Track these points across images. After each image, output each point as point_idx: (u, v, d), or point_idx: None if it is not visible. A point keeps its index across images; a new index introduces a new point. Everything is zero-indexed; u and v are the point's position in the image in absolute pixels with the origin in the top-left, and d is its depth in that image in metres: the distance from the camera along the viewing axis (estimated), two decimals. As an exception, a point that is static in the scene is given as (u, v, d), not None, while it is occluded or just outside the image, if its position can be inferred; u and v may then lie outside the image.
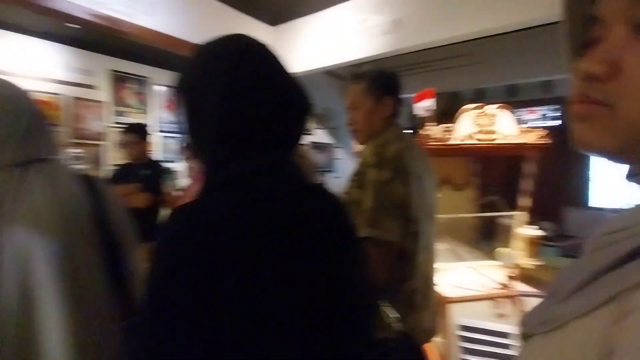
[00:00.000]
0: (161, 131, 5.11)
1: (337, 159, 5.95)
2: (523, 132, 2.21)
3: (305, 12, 3.84)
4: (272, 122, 0.55)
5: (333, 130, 5.63)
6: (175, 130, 5.44)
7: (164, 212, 2.95)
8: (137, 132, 2.95)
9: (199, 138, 0.59)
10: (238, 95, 0.54)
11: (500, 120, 2.14)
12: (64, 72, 4.44)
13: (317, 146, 5.64)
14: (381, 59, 3.38)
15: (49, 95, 4.32)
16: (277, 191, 0.53)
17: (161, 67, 5.25)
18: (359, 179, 1.19)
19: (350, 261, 0.60)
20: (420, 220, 1.19)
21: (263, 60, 0.58)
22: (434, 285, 1.34)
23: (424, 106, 2.04)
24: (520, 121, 2.58)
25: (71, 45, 4.46)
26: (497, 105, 2.21)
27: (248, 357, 0.46)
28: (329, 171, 5.87)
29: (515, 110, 2.64)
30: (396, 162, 1.15)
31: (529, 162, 2.34)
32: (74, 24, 2.78)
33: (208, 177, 0.56)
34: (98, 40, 4.32)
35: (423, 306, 1.24)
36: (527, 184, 2.40)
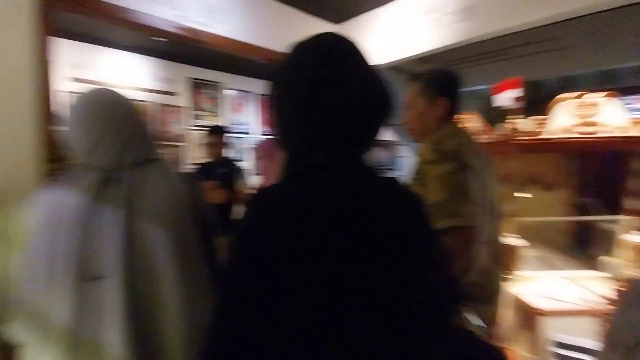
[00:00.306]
0: (231, 132, 5.45)
1: (401, 157, 5.76)
2: (634, 123, 1.88)
3: (370, 7, 3.77)
4: (350, 119, 0.55)
5: (396, 128, 5.46)
6: (243, 131, 5.76)
7: (237, 208, 3.13)
8: (218, 133, 3.15)
9: (283, 131, 0.62)
10: (318, 90, 0.55)
11: (605, 111, 1.84)
12: (151, 82, 4.96)
13: (381, 144, 5.52)
14: (453, 49, 3.17)
15: (139, 102, 4.87)
16: (347, 183, 0.54)
17: (232, 73, 5.59)
18: (419, 177, 1.21)
19: (424, 257, 0.58)
20: (477, 214, 1.17)
21: (345, 58, 0.58)
22: (499, 283, 1.31)
23: (508, 97, 1.84)
24: (627, 111, 2.21)
25: (156, 57, 4.97)
26: (601, 94, 1.90)
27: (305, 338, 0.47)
28: (392, 169, 5.71)
29: (621, 98, 2.27)
30: (455, 155, 1.16)
31: (639, 158, 1.99)
32: (161, 37, 3.06)
33: (287, 167, 0.59)
34: (178, 51, 4.76)
35: (481, 301, 1.21)
36: (636, 184, 2.05)
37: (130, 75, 4.81)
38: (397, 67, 4.31)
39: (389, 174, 0.63)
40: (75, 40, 4.22)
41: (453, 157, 1.15)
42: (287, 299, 0.46)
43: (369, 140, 0.60)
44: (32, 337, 0.68)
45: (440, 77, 1.33)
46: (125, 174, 0.79)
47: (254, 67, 5.37)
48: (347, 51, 0.59)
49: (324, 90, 0.55)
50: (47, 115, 2.37)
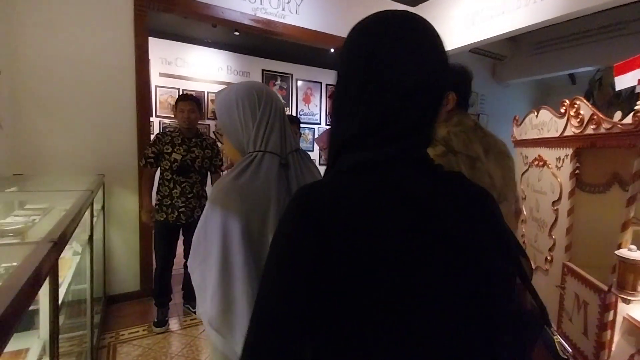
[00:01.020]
0: (302, 123, 5.56)
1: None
2: None
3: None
4: (405, 105, 0.50)
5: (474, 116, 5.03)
6: (312, 121, 5.84)
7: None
8: (295, 123, 3.22)
9: (336, 119, 0.58)
10: (372, 72, 0.50)
11: None
12: (228, 75, 5.25)
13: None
14: (548, 27, 2.75)
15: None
16: (410, 177, 0.50)
17: (302, 64, 5.66)
18: None
19: (500, 256, 0.52)
20: None
21: (402, 36, 0.51)
22: None
23: (635, 78, 1.51)
24: None
25: (233, 52, 5.23)
26: None
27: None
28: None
29: None
30: (444, 141, 1.21)
31: None
32: (240, 30, 3.17)
33: (340, 160, 0.55)
34: (253, 44, 4.96)
35: None
36: None
37: (211, 69, 5.14)
38: (477, 51, 3.93)
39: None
40: (165, 39, 4.63)
41: (441, 142, 1.21)
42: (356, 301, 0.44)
43: (427, 129, 0.54)
44: None
45: (449, 72, 1.39)
46: (290, 159, 0.84)
47: (323, 58, 5.37)
48: (407, 28, 0.51)
49: (378, 72, 0.49)
50: (144, 105, 2.64)
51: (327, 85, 5.98)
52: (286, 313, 0.45)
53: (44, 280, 0.68)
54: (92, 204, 1.86)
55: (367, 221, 0.45)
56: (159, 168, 2.38)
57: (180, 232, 2.48)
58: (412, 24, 0.51)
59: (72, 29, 2.36)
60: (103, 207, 2.50)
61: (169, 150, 2.33)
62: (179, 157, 2.33)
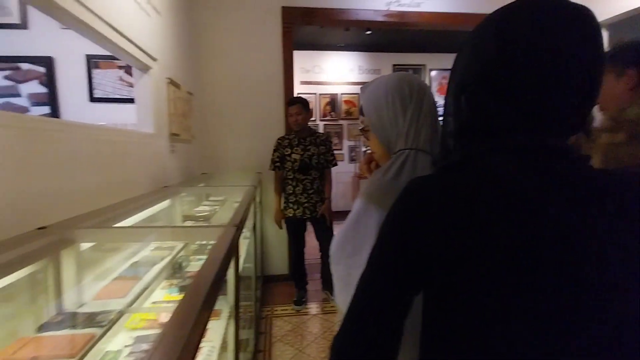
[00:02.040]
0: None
1: None
2: None
3: None
4: (538, 101, 0.47)
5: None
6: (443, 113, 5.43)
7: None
8: None
9: (456, 110, 0.55)
10: (498, 65, 0.47)
11: None
12: (359, 75, 5.41)
13: None
14: None
15: (350, 95, 5.42)
16: (548, 171, 0.47)
17: (436, 52, 5.34)
18: (591, 146, 1.18)
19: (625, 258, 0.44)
20: None
21: (565, 25, 0.46)
22: None
23: None
24: None
25: (363, 51, 5.36)
26: None
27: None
28: None
29: None
30: (633, 125, 1.10)
31: None
32: (374, 28, 3.19)
33: (449, 153, 0.54)
34: (383, 41, 4.97)
35: None
36: None
37: (343, 71, 5.40)
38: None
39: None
40: (303, 50, 5.11)
41: (629, 127, 1.09)
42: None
43: (569, 119, 0.49)
44: None
45: (624, 49, 1.27)
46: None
47: (460, 42, 4.91)
48: (551, 19, 0.46)
49: (514, 63, 0.46)
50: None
51: (465, 71, 5.45)
52: (376, 298, 0.50)
53: (234, 255, 0.86)
54: (255, 197, 2.22)
55: (473, 217, 0.45)
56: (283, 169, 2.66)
57: (308, 225, 2.73)
58: (563, 12, 0.47)
59: (236, 54, 2.86)
60: (260, 200, 2.96)
61: (289, 152, 2.58)
62: (297, 156, 2.57)
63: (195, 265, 1.73)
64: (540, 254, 0.43)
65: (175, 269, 1.58)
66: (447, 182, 0.49)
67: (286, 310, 2.69)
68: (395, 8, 2.87)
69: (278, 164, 2.66)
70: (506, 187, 0.46)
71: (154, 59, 1.85)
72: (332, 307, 2.73)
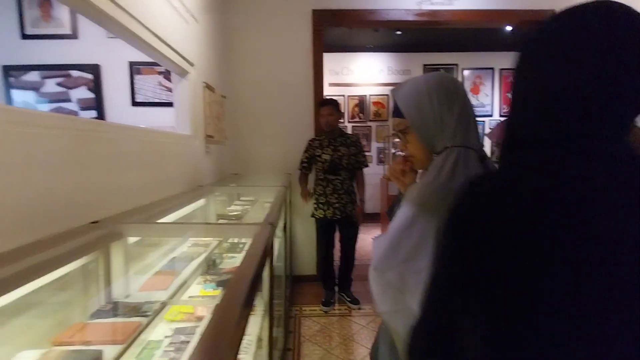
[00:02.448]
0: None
1: None
2: None
3: None
4: (608, 103, 0.47)
5: None
6: (483, 113, 5.25)
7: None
8: None
9: (519, 113, 0.55)
10: (571, 67, 0.48)
11: None
12: (388, 75, 5.35)
13: None
14: None
15: (378, 96, 5.37)
16: (572, 173, 0.47)
17: (468, 51, 5.18)
18: None
19: None
20: None
21: (623, 37, 0.46)
22: None
23: None
24: None
25: (393, 52, 5.30)
26: None
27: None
28: None
29: None
30: None
31: None
32: (404, 27, 3.15)
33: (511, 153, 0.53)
34: (413, 41, 4.89)
35: None
36: None
37: (372, 72, 5.37)
38: None
39: None
40: (332, 52, 5.13)
41: None
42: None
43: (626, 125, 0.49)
44: None
45: None
46: (484, 152, 0.79)
47: (495, 39, 4.74)
48: (623, 29, 0.47)
49: (575, 68, 0.47)
50: (319, 113, 3.01)
51: (501, 70, 5.24)
52: (441, 293, 0.50)
53: (269, 253, 0.88)
54: (286, 198, 2.25)
55: (532, 220, 0.44)
56: (313, 170, 2.68)
57: (336, 227, 2.73)
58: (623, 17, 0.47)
59: (267, 57, 2.93)
60: (290, 200, 3.00)
61: (319, 153, 2.60)
62: (327, 157, 2.57)
63: (227, 262, 1.78)
64: (618, 261, 0.43)
65: (209, 265, 1.64)
66: (519, 184, 0.48)
67: (314, 310, 2.70)
68: (426, 7, 2.82)
69: (306, 164, 2.69)
70: (581, 192, 0.45)
71: (192, 64, 1.94)
72: (358, 309, 2.71)
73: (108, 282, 0.93)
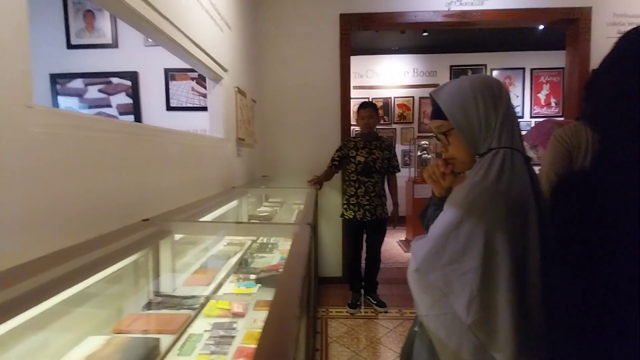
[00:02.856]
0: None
1: None
2: None
3: None
4: None
5: None
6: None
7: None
8: None
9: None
10: None
11: None
12: (413, 77, 5.30)
13: None
14: None
15: (403, 99, 5.33)
16: None
17: (496, 51, 5.06)
18: None
19: None
20: None
21: None
22: None
23: None
24: None
25: (419, 53, 5.24)
26: None
27: None
28: None
29: None
30: None
31: None
32: (432, 29, 3.13)
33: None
34: (439, 42, 4.82)
35: None
36: None
37: (397, 75, 5.33)
38: None
39: None
40: (357, 55, 5.15)
41: None
42: None
43: None
44: None
45: None
46: (528, 153, 0.80)
47: (524, 39, 4.60)
48: None
49: None
50: (346, 115, 3.04)
51: (532, 70, 5.08)
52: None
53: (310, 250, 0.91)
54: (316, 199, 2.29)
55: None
56: (345, 171, 2.69)
57: (364, 229, 2.72)
58: None
59: (295, 62, 2.98)
60: (316, 202, 3.03)
61: (354, 154, 2.61)
62: (362, 159, 2.58)
63: (258, 262, 1.83)
64: None
65: (242, 264, 1.69)
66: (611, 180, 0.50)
67: (340, 312, 2.71)
68: (456, 7, 2.79)
69: (337, 162, 2.70)
70: None
71: (225, 70, 2.01)
72: (385, 312, 2.70)
73: (156, 276, 0.99)
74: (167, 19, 1.26)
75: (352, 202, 2.66)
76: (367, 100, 2.81)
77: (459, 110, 0.79)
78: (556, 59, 5.03)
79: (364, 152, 2.61)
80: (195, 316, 0.89)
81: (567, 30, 2.92)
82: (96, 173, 0.85)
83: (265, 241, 2.04)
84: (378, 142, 2.65)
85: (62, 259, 0.63)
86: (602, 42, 2.73)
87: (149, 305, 0.90)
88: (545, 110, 5.12)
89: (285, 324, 0.47)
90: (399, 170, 2.74)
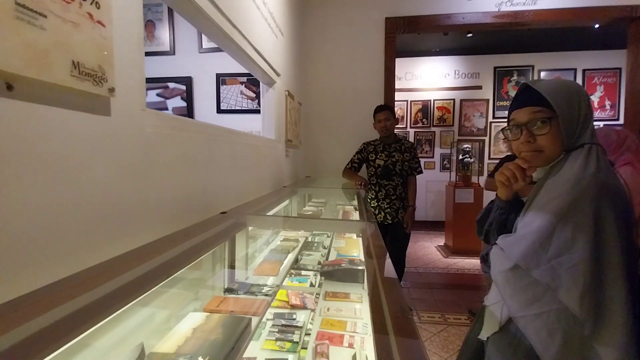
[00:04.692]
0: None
1: None
2: None
3: None
4: None
5: None
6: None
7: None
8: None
9: None
10: None
11: None
12: (455, 80, 5.20)
13: None
14: None
15: (443, 101, 5.23)
16: None
17: (545, 51, 4.84)
18: None
19: None
20: None
21: None
22: None
23: None
24: None
25: (461, 55, 5.13)
26: None
27: None
28: None
29: None
30: None
31: None
32: (478, 30, 3.08)
33: None
34: (483, 43, 4.70)
35: None
36: None
37: (437, 77, 5.25)
38: None
39: None
40: (398, 57, 5.13)
41: None
42: None
43: None
44: None
45: None
46: None
47: (575, 39, 4.37)
48: None
49: None
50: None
51: (584, 70, 4.81)
52: None
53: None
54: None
55: None
56: (365, 174, 2.66)
57: (387, 232, 2.66)
58: None
59: (340, 65, 3.05)
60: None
61: (373, 158, 2.59)
62: (381, 162, 2.57)
63: (306, 259, 1.90)
64: None
65: (293, 260, 1.77)
66: None
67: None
68: (506, 8, 2.73)
69: (356, 164, 2.69)
70: None
71: (278, 74, 2.11)
72: (411, 316, 2.67)
73: (232, 264, 1.08)
74: (236, 28, 1.36)
75: (372, 205, 2.65)
76: (385, 103, 2.77)
77: (564, 101, 0.81)
78: (611, 58, 4.73)
79: (383, 156, 2.59)
80: (271, 302, 0.96)
81: (629, 28, 2.76)
82: (186, 169, 0.95)
83: (310, 240, 2.12)
84: (398, 145, 2.61)
85: (163, 249, 0.72)
86: (670, 40, 2.56)
87: (229, 290, 0.98)
88: (598, 114, 4.82)
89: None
90: (421, 172, 2.67)
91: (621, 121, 3.75)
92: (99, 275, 0.56)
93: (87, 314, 0.45)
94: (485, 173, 4.96)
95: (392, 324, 0.48)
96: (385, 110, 2.60)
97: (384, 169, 2.59)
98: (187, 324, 0.72)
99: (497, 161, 3.36)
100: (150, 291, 0.58)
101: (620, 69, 4.72)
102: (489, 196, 2.39)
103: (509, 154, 3.01)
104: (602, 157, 0.76)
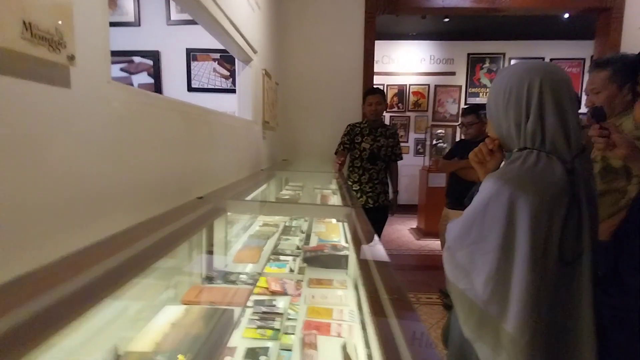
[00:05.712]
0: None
1: None
2: None
3: None
4: None
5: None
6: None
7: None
8: (475, 113, 2.91)
9: None
10: None
11: None
12: (430, 65, 5.23)
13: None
14: None
15: (418, 86, 5.27)
16: None
17: (516, 40, 4.96)
18: None
19: None
20: None
21: None
22: None
23: None
24: None
25: (436, 40, 5.16)
26: None
27: None
28: None
29: None
30: None
31: None
32: (456, 15, 3.07)
33: None
34: (458, 29, 4.73)
35: None
36: None
37: (413, 61, 5.26)
38: None
39: None
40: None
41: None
42: None
43: None
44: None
45: (629, 63, 1.38)
46: (576, 163, 0.76)
47: (545, 28, 4.50)
48: None
49: None
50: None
51: (552, 60, 4.99)
52: None
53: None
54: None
55: None
56: (349, 157, 2.64)
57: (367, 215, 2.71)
58: None
59: (318, 45, 2.95)
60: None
61: (359, 140, 2.57)
62: (367, 145, 2.55)
63: (284, 243, 1.88)
64: None
65: (273, 246, 1.73)
66: None
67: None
68: (485, -7, 2.74)
69: (347, 145, 2.64)
70: None
71: (255, 52, 2.00)
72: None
73: (209, 251, 1.02)
74: (211, -3, 1.25)
75: (354, 189, 2.64)
76: (377, 87, 2.74)
77: (492, 99, 0.86)
78: (576, 49, 4.94)
79: (369, 140, 2.57)
80: (252, 290, 0.92)
81: (598, 19, 2.86)
82: (159, 150, 0.87)
83: (287, 224, 2.08)
84: (383, 130, 2.61)
85: (136, 238, 0.66)
86: (634, 32, 2.68)
87: (207, 280, 0.93)
88: (562, 102, 5.05)
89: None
90: (402, 158, 2.70)
91: (583, 110, 3.95)
92: (65, 269, 0.49)
93: (53, 315, 0.39)
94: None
95: (392, 308, 0.46)
96: (378, 94, 2.55)
97: (370, 153, 2.57)
98: (164, 318, 0.67)
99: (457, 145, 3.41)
100: (124, 285, 0.53)
101: (584, 59, 4.94)
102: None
103: (464, 138, 3.03)
104: (543, 169, 0.75)
